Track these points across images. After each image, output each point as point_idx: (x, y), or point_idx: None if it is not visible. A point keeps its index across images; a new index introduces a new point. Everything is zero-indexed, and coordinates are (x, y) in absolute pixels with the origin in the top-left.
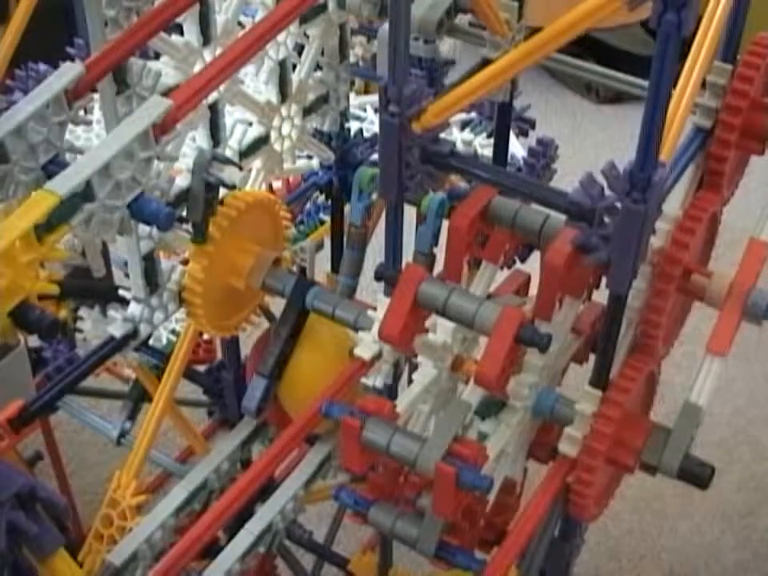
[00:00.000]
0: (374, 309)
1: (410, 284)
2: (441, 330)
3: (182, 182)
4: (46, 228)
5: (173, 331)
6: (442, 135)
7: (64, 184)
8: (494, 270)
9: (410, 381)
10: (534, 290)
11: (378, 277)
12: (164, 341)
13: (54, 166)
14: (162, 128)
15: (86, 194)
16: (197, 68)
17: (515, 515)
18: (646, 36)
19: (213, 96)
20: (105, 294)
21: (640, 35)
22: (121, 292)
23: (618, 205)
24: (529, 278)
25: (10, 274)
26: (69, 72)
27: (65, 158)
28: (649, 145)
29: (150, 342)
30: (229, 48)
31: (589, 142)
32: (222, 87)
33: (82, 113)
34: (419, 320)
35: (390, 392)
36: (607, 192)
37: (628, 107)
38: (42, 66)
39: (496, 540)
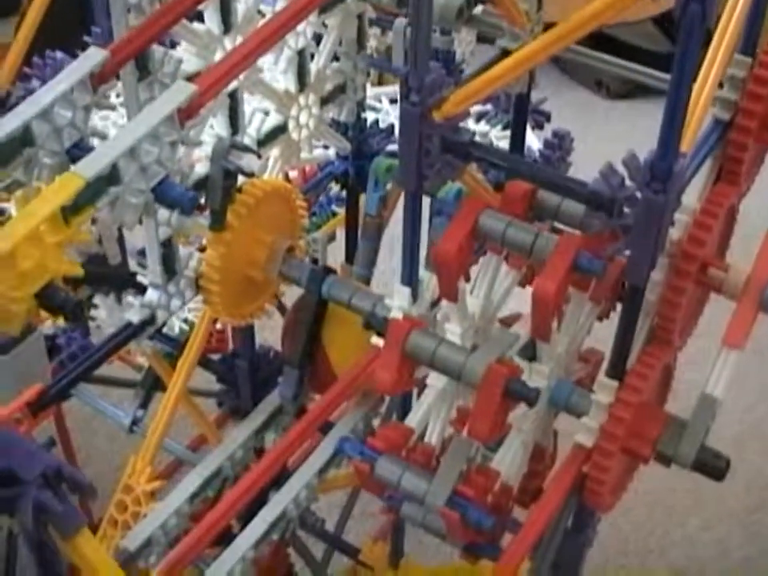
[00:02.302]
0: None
1: (397, 338)
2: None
3: (200, 169)
4: (72, 210)
5: (185, 320)
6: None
7: (90, 167)
8: (498, 259)
9: None
10: None
11: (366, 326)
12: (176, 330)
13: (78, 150)
14: (187, 113)
15: (111, 176)
16: (217, 56)
17: (549, 475)
18: (657, 32)
19: (232, 84)
20: (122, 281)
21: (651, 31)
22: (139, 278)
23: (638, 195)
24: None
25: (37, 255)
26: (94, 56)
27: (89, 142)
28: (670, 135)
29: (163, 330)
30: (250, 36)
31: (599, 138)
32: (241, 75)
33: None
34: (413, 366)
35: None
36: (627, 182)
37: (638, 103)
38: (60, 54)
39: (533, 500)
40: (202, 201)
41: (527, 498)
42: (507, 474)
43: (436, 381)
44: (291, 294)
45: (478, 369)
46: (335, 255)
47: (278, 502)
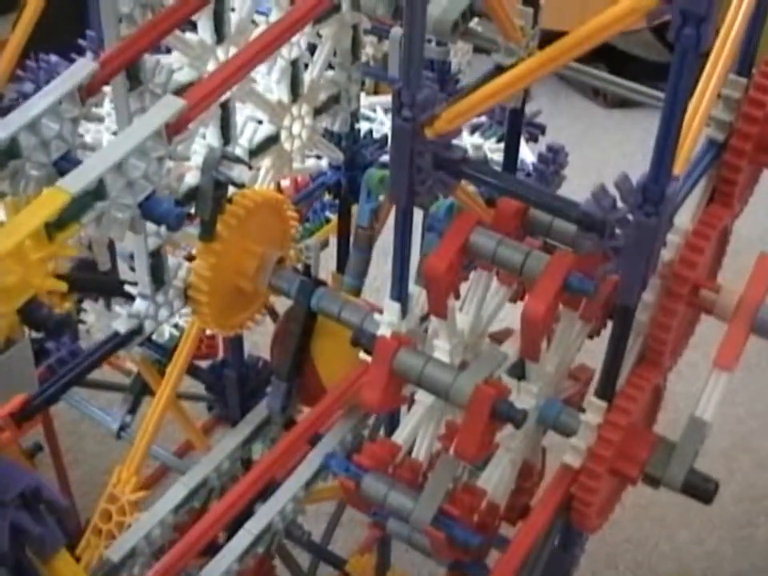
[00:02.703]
0: (380, 312)
1: (385, 357)
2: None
3: (191, 179)
4: (56, 226)
5: (176, 326)
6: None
7: (76, 182)
8: (488, 276)
9: None
10: None
11: (354, 343)
12: (166, 335)
13: (65, 162)
14: (175, 128)
15: (98, 192)
16: (210, 66)
17: (537, 492)
18: (655, 41)
19: (223, 96)
20: (110, 289)
21: (650, 40)
22: (127, 288)
23: (630, 217)
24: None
25: (20, 271)
26: (83, 68)
27: (76, 154)
28: (663, 158)
29: (153, 336)
30: (243, 49)
31: (597, 146)
32: (234, 87)
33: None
34: (400, 384)
35: None
36: (619, 204)
37: (636, 112)
38: (53, 57)
39: (520, 516)
40: (192, 211)
41: (514, 514)
42: (494, 493)
43: (424, 397)
44: (284, 301)
45: (466, 389)
46: (328, 262)
47: (264, 515)
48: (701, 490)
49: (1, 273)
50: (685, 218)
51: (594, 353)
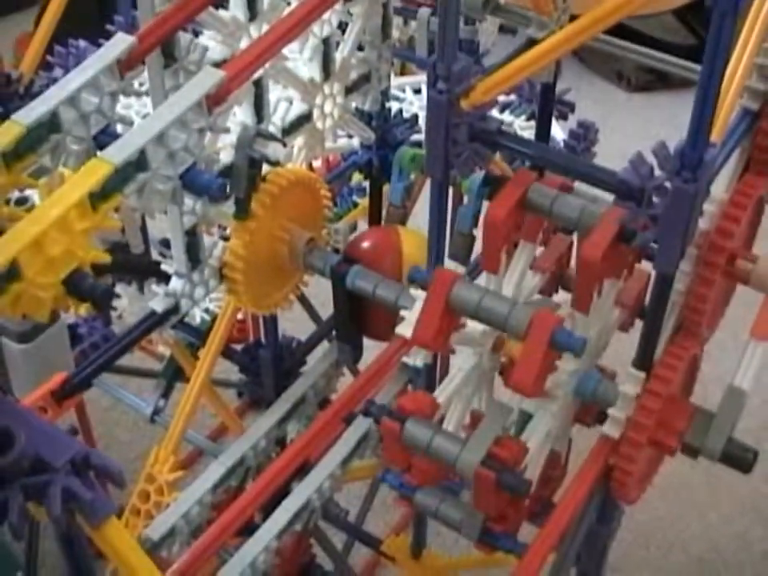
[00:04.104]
0: (416, 287)
1: (441, 289)
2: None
3: (225, 157)
4: (100, 196)
5: (206, 310)
6: None
7: (119, 153)
8: (532, 248)
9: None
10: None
11: (411, 280)
12: (197, 320)
13: (104, 136)
14: (215, 99)
15: (139, 163)
16: (243, 43)
17: (561, 485)
18: (678, 24)
19: (258, 72)
20: (146, 269)
21: (673, 24)
22: (163, 266)
23: (668, 184)
24: (571, 244)
25: (65, 241)
26: (121, 43)
27: (115, 128)
28: (701, 124)
29: (185, 320)
30: (277, 24)
31: (620, 131)
32: (267, 64)
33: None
34: (453, 321)
35: (430, 371)
36: (657, 172)
37: (659, 95)
38: (82, 43)
39: (543, 511)
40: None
41: (537, 507)
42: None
43: (463, 362)
44: (313, 284)
45: (524, 318)
46: None
47: (302, 493)
48: (739, 459)
49: (46, 243)
50: (720, 187)
51: (623, 340)
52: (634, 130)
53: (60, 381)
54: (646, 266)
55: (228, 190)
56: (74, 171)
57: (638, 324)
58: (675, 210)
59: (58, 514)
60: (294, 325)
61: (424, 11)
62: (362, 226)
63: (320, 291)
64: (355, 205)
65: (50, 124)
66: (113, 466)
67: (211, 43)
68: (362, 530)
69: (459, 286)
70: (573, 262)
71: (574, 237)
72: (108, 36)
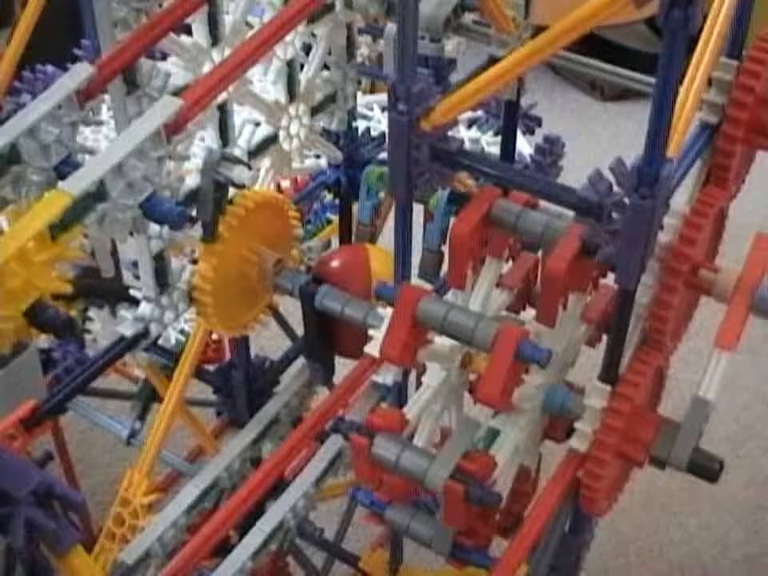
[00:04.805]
0: (384, 306)
1: (408, 304)
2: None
3: (191, 181)
4: (59, 227)
5: (181, 331)
6: (450, 133)
7: (77, 184)
8: (498, 264)
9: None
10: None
11: (378, 296)
12: (173, 341)
13: (65, 167)
14: (174, 127)
15: (99, 193)
16: (206, 68)
17: (531, 500)
18: (649, 33)
19: (222, 96)
20: (116, 294)
21: (644, 32)
22: (132, 291)
23: (626, 200)
24: (537, 261)
25: (25, 273)
26: (80, 72)
27: (76, 158)
28: (656, 140)
29: (159, 341)
30: (238, 48)
31: (593, 140)
32: (230, 87)
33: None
34: (420, 336)
35: (400, 389)
36: (615, 188)
37: (633, 104)
38: (50, 68)
39: (513, 526)
40: (194, 213)
41: (508, 522)
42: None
43: (432, 379)
44: (290, 302)
45: (489, 331)
46: None
47: (276, 512)
48: (706, 468)
49: (5, 276)
50: (681, 200)
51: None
52: (608, 138)
53: (30, 408)
54: (611, 280)
55: (190, 216)
56: (35, 202)
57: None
58: (634, 226)
59: (21, 545)
60: (271, 342)
61: (391, 28)
62: (336, 242)
63: (296, 307)
64: (329, 222)
65: (10, 155)
66: (74, 496)
67: (174, 69)
68: (339, 547)
69: (425, 300)
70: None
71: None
72: (75, 60)
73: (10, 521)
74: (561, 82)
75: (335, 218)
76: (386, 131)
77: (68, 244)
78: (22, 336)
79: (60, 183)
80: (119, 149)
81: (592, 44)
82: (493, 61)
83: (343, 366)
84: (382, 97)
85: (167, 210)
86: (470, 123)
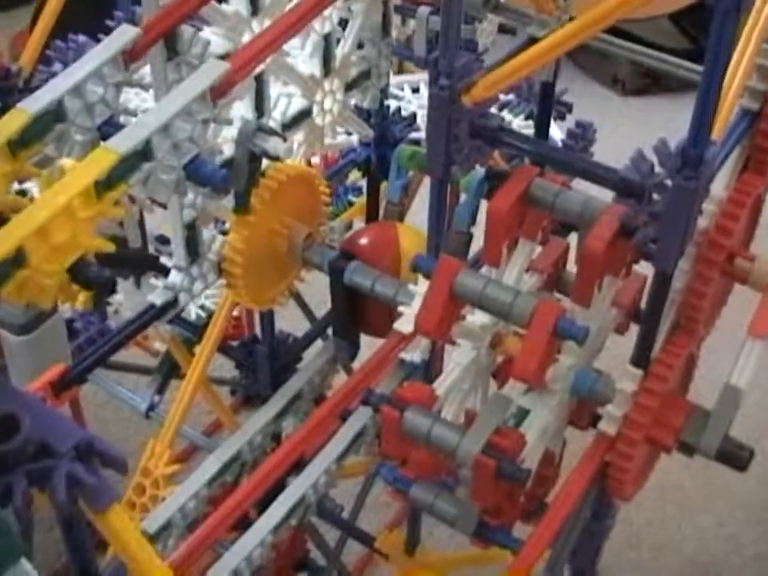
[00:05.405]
0: (414, 283)
1: (445, 277)
2: (480, 312)
3: (225, 151)
4: (105, 185)
5: (202, 306)
6: None
7: (124, 142)
8: (531, 246)
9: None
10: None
11: (414, 268)
12: (192, 316)
13: (108, 127)
14: (219, 91)
15: (145, 152)
16: (245, 38)
17: (555, 485)
18: (673, 29)
19: (259, 67)
20: (146, 263)
21: (668, 28)
22: (162, 260)
23: (669, 182)
24: (567, 247)
25: (70, 229)
26: (126, 34)
27: (119, 119)
28: (702, 123)
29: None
30: (279, 19)
31: (615, 133)
32: (268, 59)
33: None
34: (456, 311)
35: (427, 368)
36: (657, 169)
37: (653, 99)
38: (81, 38)
39: (536, 511)
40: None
41: (531, 506)
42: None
43: (461, 357)
44: (307, 283)
45: (528, 306)
46: None
47: (298, 487)
48: (735, 456)
49: (51, 230)
50: (719, 186)
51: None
52: (628, 133)
53: (59, 372)
54: (642, 268)
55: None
56: (77, 161)
57: (634, 328)
58: (676, 208)
59: (62, 498)
60: (289, 322)
61: (423, 10)
62: (358, 224)
63: (315, 291)
64: (351, 203)
65: (56, 113)
66: (116, 452)
67: (213, 37)
68: (355, 526)
69: (463, 274)
70: (569, 266)
71: (570, 240)
72: (107, 32)
73: (51, 474)
74: (582, 75)
75: (357, 201)
76: (417, 112)
77: (112, 202)
78: (65, 293)
79: (106, 142)
80: (166, 109)
81: (615, 37)
82: (531, 41)
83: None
84: (413, 77)
85: (210, 172)
86: (502, 107)
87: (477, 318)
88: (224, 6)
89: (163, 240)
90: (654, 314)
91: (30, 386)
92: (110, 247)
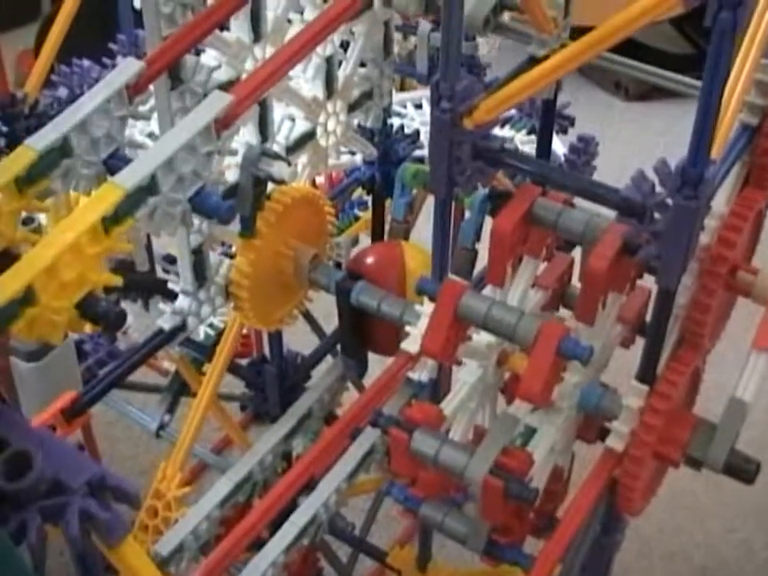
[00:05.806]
0: (421, 303)
1: (450, 299)
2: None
3: (230, 176)
4: (113, 220)
5: (210, 325)
6: None
7: (130, 178)
8: (535, 264)
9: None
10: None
11: (419, 292)
12: (201, 335)
13: (114, 160)
14: (224, 123)
15: (150, 187)
16: (247, 64)
17: (564, 500)
18: (675, 34)
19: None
20: (153, 287)
21: (670, 33)
22: (170, 285)
23: (669, 201)
24: (572, 262)
25: (78, 266)
26: (130, 68)
27: (124, 152)
28: (701, 142)
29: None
30: (284, 46)
31: (618, 139)
32: None
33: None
34: (461, 332)
35: (435, 386)
36: (658, 188)
37: (657, 105)
38: (86, 62)
39: (546, 526)
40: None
41: (541, 522)
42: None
43: (468, 376)
44: (316, 298)
45: (532, 327)
46: None
47: (309, 507)
48: (742, 470)
49: (60, 268)
50: (720, 201)
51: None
52: (632, 138)
53: (70, 399)
54: (646, 281)
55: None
56: (84, 195)
57: (639, 341)
58: (677, 227)
59: (75, 534)
60: (297, 338)
61: (425, 26)
62: (364, 239)
63: (323, 306)
64: (356, 218)
65: (62, 149)
66: (129, 486)
67: (214, 62)
68: (367, 542)
69: (468, 296)
70: (574, 280)
71: (575, 256)
72: (110, 54)
73: (64, 510)
74: (586, 82)
75: (363, 215)
76: (420, 129)
77: (120, 237)
78: (74, 328)
79: (113, 177)
80: (170, 143)
81: (618, 44)
82: (533, 60)
83: (376, 362)
84: (416, 94)
85: (216, 204)
86: (504, 122)
87: (483, 337)
88: (226, 34)
89: (171, 260)
90: (659, 331)
91: (41, 414)
92: (118, 281)
